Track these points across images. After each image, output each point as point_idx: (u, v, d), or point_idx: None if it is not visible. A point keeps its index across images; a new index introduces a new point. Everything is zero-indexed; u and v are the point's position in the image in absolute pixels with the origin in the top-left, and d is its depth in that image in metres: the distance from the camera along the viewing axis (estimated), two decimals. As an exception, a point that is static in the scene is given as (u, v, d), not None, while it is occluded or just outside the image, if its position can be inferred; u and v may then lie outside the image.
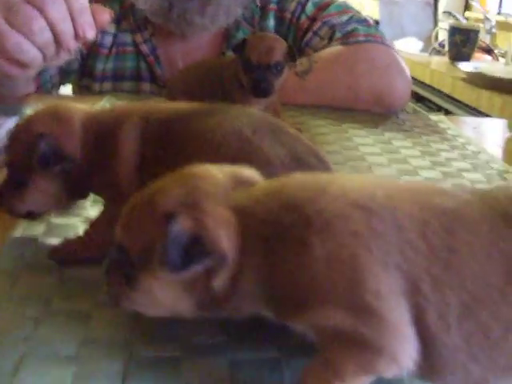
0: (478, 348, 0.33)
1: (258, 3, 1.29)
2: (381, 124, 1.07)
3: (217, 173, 0.38)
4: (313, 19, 1.27)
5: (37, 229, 0.58)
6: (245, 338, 0.43)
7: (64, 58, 0.84)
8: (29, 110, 0.98)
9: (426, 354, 0.34)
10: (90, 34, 0.79)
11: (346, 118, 1.09)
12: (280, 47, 0.86)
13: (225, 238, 0.35)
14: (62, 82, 1.35)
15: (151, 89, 1.28)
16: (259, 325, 0.40)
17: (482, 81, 1.90)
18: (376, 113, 1.14)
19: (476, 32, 2.40)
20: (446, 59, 2.50)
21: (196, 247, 0.34)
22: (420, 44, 3.23)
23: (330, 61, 1.16)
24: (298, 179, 0.39)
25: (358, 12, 1.30)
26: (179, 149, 0.48)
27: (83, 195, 0.57)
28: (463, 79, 2.03)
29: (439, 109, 2.20)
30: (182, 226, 0.34)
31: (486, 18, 3.20)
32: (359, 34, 1.20)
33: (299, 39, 1.28)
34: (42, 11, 0.75)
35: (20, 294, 0.46)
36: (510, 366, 0.34)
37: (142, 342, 0.41)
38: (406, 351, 0.33)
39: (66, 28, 0.77)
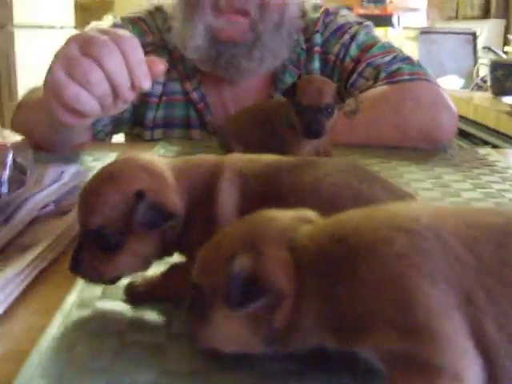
0: None
1: (304, 46, 1.33)
2: (429, 160, 1.08)
3: (281, 216, 0.41)
4: (357, 61, 1.30)
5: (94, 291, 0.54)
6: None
7: (121, 107, 0.88)
8: (85, 160, 1.02)
9: (490, 369, 0.34)
10: (146, 84, 0.83)
11: (394, 155, 1.10)
12: (329, 89, 0.89)
13: (280, 277, 0.37)
14: (115, 132, 1.40)
15: (201, 135, 1.32)
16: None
17: (526, 113, 1.91)
18: (424, 149, 1.15)
19: (518, 66, 2.40)
20: (488, 94, 2.50)
21: (253, 286, 0.36)
22: (461, 81, 3.23)
23: (376, 100, 1.18)
24: (351, 212, 0.40)
25: (401, 51, 1.32)
26: (287, 203, 0.44)
27: (171, 253, 0.53)
28: (507, 112, 2.03)
29: (485, 143, 2.20)
30: (241, 266, 0.36)
31: (526, 52, 3.21)
32: (404, 72, 1.22)
33: (344, 81, 1.31)
34: (99, 64, 0.79)
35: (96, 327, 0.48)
36: None
37: (220, 374, 0.43)
38: (467, 366, 0.33)
39: (122, 80, 0.81)
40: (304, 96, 0.87)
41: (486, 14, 4.29)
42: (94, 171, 0.83)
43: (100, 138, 1.29)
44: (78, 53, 0.80)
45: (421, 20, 5.50)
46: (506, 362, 0.33)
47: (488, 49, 3.41)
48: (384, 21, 5.73)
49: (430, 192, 0.89)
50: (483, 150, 1.22)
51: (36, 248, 0.59)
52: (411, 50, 3.82)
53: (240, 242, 0.39)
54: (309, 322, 0.38)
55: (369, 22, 1.38)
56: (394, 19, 5.87)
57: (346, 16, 1.39)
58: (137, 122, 1.34)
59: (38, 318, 0.50)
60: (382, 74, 1.23)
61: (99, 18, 6.15)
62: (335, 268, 0.36)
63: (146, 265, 0.51)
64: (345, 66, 1.31)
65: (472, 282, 0.34)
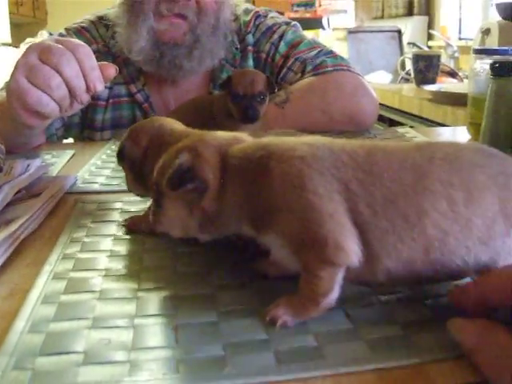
0: (401, 230, 0.45)
1: (238, 46, 1.45)
2: (354, 139, 1.22)
3: (222, 134, 0.56)
4: (286, 57, 1.43)
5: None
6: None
7: (77, 108, 0.98)
8: (46, 158, 1.12)
9: (364, 240, 0.45)
10: (100, 87, 0.93)
11: (323, 137, 1.23)
12: (261, 79, 1.02)
13: (208, 171, 0.51)
14: (66, 135, 1.48)
15: (148, 132, 1.42)
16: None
17: (445, 98, 2.06)
18: (350, 131, 1.29)
19: (438, 57, 2.56)
20: (413, 85, 2.66)
21: (188, 174, 0.50)
22: (389, 76, 3.40)
23: (304, 90, 1.30)
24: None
25: (324, 46, 1.45)
26: None
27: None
28: (429, 99, 2.19)
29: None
30: (182, 159, 0.51)
31: (448, 44, 3.40)
32: (327, 64, 1.35)
33: (276, 75, 1.44)
34: (58, 70, 0.89)
35: (76, 277, 0.59)
36: (429, 247, 0.46)
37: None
38: (347, 238, 0.45)
39: (79, 84, 0.91)
40: (239, 86, 0.99)
41: (409, 11, 4.51)
42: (55, 166, 0.94)
43: (52, 140, 1.38)
44: (37, 61, 0.89)
45: (349, 21, 5.69)
46: (376, 232, 0.45)
47: (413, 44, 3.60)
48: (314, 23, 5.91)
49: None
50: (402, 129, 1.37)
51: (19, 220, 0.69)
52: (341, 49, 3.99)
53: (186, 147, 0.53)
54: (230, 210, 0.51)
55: (295, 22, 1.52)
56: (324, 21, 6.05)
57: (275, 18, 1.52)
58: (86, 124, 1.44)
59: (28, 270, 0.60)
60: (309, 67, 1.37)
61: (34, 35, 6.18)
62: (254, 168, 0.49)
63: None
64: (275, 62, 1.44)
65: (350, 176, 0.46)
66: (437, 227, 0.45)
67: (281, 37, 1.45)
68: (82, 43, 0.93)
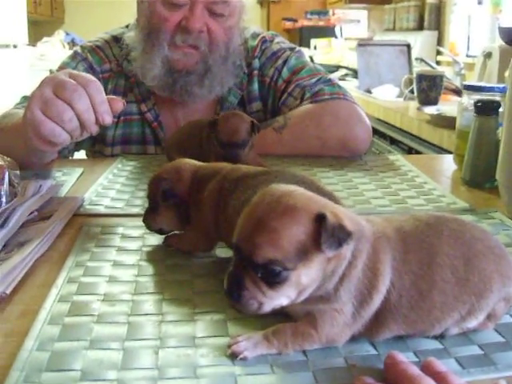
0: (413, 301, 0.55)
1: (246, 70, 1.54)
2: (346, 166, 1.30)
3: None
4: (288, 82, 1.51)
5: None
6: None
7: (86, 136, 1.06)
8: (56, 175, 1.21)
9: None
10: (108, 120, 1.01)
11: (316, 163, 1.32)
12: (244, 127, 1.07)
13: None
14: (77, 149, 1.58)
15: (156, 151, 1.52)
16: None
17: (442, 121, 2.13)
18: (343, 157, 1.37)
19: (441, 77, 2.63)
20: (417, 104, 2.72)
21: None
22: (396, 90, 3.47)
23: (301, 117, 1.39)
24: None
25: (325, 73, 1.54)
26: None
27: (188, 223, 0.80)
28: (428, 121, 2.26)
29: (410, 149, 2.43)
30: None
31: (455, 62, 3.47)
32: (325, 92, 1.44)
33: (278, 99, 1.53)
34: (70, 105, 0.97)
35: (80, 299, 0.68)
36: (432, 309, 0.56)
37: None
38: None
39: (89, 117, 0.99)
40: (223, 134, 1.06)
41: (420, 25, 4.57)
42: (65, 185, 1.03)
43: (64, 154, 1.47)
44: (52, 95, 0.97)
45: (362, 31, 5.77)
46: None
47: (420, 59, 3.67)
48: (327, 31, 6.00)
49: (340, 193, 1.10)
50: (393, 157, 1.45)
51: (32, 243, 0.78)
52: (353, 59, 4.06)
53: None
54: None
55: (299, 48, 1.61)
56: (337, 30, 6.15)
57: (280, 43, 1.60)
58: (98, 140, 1.53)
59: (38, 292, 0.69)
60: (307, 94, 1.45)
61: (51, 34, 6.29)
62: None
63: (174, 225, 0.82)
64: (278, 86, 1.53)
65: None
66: (441, 293, 0.56)
67: (284, 62, 1.54)
68: (94, 79, 1.01)
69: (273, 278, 0.51)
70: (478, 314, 0.58)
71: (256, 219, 0.51)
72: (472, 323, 0.59)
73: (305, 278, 0.51)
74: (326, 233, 0.50)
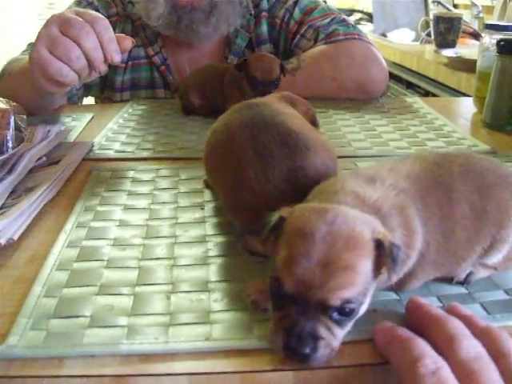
0: (438, 244, 0.53)
1: (252, 12, 1.48)
2: (362, 108, 1.26)
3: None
4: (300, 23, 1.46)
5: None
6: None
7: (94, 76, 1.04)
8: (66, 121, 1.18)
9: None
10: (117, 58, 0.98)
11: (331, 105, 1.28)
12: (276, 66, 1.07)
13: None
14: (86, 95, 1.55)
15: (165, 94, 1.48)
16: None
17: (460, 64, 2.07)
18: (359, 99, 1.33)
19: (459, 19, 2.55)
20: (434, 47, 2.65)
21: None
22: (412, 34, 3.38)
23: (315, 58, 1.34)
24: None
25: (339, 13, 1.48)
26: None
27: None
28: (445, 64, 2.20)
29: (426, 93, 2.37)
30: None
31: (473, 4, 3.36)
32: (339, 33, 1.39)
33: (290, 41, 1.48)
34: (78, 42, 0.94)
35: (89, 244, 0.66)
36: (457, 248, 0.54)
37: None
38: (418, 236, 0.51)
39: (97, 55, 0.96)
40: (257, 72, 1.06)
41: (437, -33, 4.43)
42: (74, 130, 1.00)
43: (74, 101, 1.44)
44: (58, 33, 0.94)
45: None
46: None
47: (437, 2, 3.56)
48: (341, -25, 5.84)
49: (357, 134, 1.07)
50: (411, 99, 1.41)
51: (39, 188, 0.76)
52: (367, 2, 3.96)
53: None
54: None
55: (310, -13, 1.55)
56: (351, -27, 5.97)
57: None
58: (107, 85, 1.50)
59: (46, 237, 0.67)
60: (321, 35, 1.40)
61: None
62: None
63: None
64: (290, 28, 1.48)
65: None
66: (463, 230, 0.54)
67: (295, 2, 1.48)
68: (101, 16, 0.97)
69: (348, 317, 0.45)
70: (500, 245, 0.56)
71: (320, 256, 0.43)
72: (496, 257, 0.57)
73: (366, 305, 0.47)
74: (391, 260, 0.45)
